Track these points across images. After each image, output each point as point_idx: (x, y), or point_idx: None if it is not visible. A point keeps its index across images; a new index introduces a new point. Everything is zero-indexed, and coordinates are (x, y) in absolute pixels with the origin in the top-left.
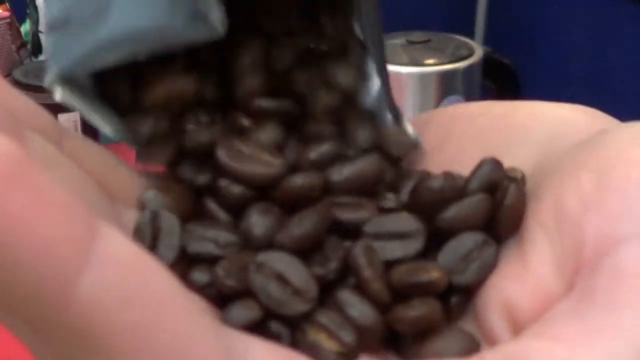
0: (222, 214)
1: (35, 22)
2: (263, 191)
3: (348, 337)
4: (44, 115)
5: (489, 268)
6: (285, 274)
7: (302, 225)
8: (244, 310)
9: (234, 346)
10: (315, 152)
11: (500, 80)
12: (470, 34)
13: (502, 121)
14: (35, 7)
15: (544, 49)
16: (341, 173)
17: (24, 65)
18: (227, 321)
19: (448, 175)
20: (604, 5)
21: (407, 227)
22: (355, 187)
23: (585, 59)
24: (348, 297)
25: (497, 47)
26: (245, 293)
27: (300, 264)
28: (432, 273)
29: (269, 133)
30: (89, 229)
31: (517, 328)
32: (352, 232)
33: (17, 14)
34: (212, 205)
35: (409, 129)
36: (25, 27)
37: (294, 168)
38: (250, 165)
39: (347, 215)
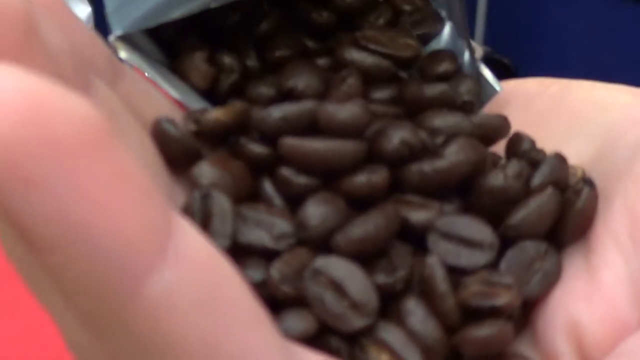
0: (278, 200)
1: None
2: (329, 182)
3: (414, 358)
4: (102, 49)
5: (553, 279)
6: (344, 283)
7: (365, 226)
8: (299, 321)
9: None
10: (392, 140)
11: (500, 79)
12: (470, 33)
13: (558, 106)
14: None
15: (544, 48)
16: (422, 171)
17: None
18: (281, 331)
19: (508, 172)
20: (604, 5)
21: (480, 236)
22: (435, 187)
23: (585, 58)
24: (415, 310)
25: (497, 47)
26: (301, 301)
27: (360, 272)
28: (504, 297)
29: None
30: (166, 220)
31: (584, 356)
32: (417, 234)
33: None
34: (268, 188)
35: (490, 78)
36: None
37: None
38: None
39: (417, 215)
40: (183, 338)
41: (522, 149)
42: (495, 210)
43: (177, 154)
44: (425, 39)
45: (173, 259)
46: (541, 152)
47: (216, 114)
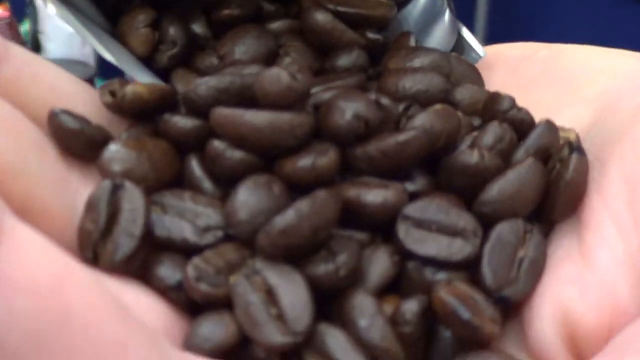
0: (207, 183)
1: (35, 22)
2: (269, 162)
3: None
4: None
5: (540, 268)
6: (278, 290)
7: (289, 219)
8: (217, 328)
9: None
10: (345, 115)
11: None
12: (470, 30)
13: (547, 72)
14: (35, 7)
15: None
16: (380, 150)
17: None
18: (192, 341)
19: (484, 141)
20: (605, 5)
21: (460, 223)
22: (395, 166)
23: None
24: (364, 307)
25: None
26: (222, 304)
27: (303, 284)
28: (487, 327)
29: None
30: None
31: (576, 349)
32: (377, 220)
33: (15, 13)
34: (196, 168)
35: (472, 42)
36: (25, 27)
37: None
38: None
39: (374, 196)
40: None
41: (500, 109)
42: (468, 191)
43: (78, 146)
44: (400, 3)
45: None
46: (523, 110)
47: (137, 88)
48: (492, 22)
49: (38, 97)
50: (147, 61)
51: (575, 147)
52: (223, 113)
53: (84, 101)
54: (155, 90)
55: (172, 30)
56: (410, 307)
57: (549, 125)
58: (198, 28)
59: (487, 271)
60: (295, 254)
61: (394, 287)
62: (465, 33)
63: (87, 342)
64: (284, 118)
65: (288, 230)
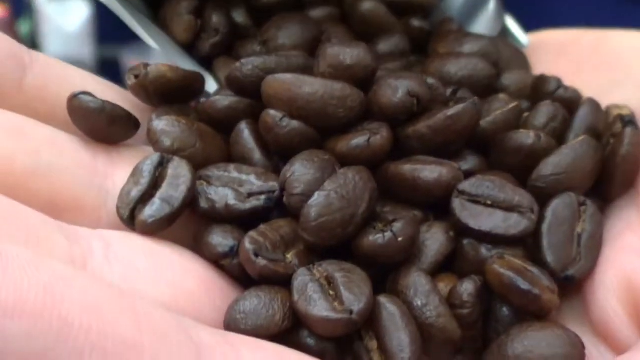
0: (258, 155)
1: (33, 22)
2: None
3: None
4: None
5: (599, 241)
6: (337, 277)
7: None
8: (263, 309)
9: None
10: (398, 92)
11: None
12: None
13: (595, 55)
14: (33, 7)
15: None
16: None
17: None
18: (232, 316)
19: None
20: (606, 4)
21: (516, 198)
22: (440, 141)
23: None
24: (419, 283)
25: None
26: (277, 279)
27: (363, 274)
28: (545, 296)
29: None
30: None
31: None
32: (433, 197)
33: (15, 14)
34: (249, 141)
35: (515, 30)
36: (24, 27)
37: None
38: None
39: (431, 172)
40: None
41: (548, 90)
42: (522, 171)
43: (100, 124)
44: None
45: None
46: (570, 89)
47: (160, 67)
48: None
49: (66, 93)
50: (189, 49)
51: (628, 120)
52: (278, 79)
53: (113, 100)
54: (178, 70)
55: (215, 18)
56: (467, 287)
57: (592, 103)
58: (239, 17)
59: (548, 252)
60: (335, 234)
61: (449, 266)
62: (509, 21)
63: (96, 348)
64: (336, 87)
65: (320, 211)
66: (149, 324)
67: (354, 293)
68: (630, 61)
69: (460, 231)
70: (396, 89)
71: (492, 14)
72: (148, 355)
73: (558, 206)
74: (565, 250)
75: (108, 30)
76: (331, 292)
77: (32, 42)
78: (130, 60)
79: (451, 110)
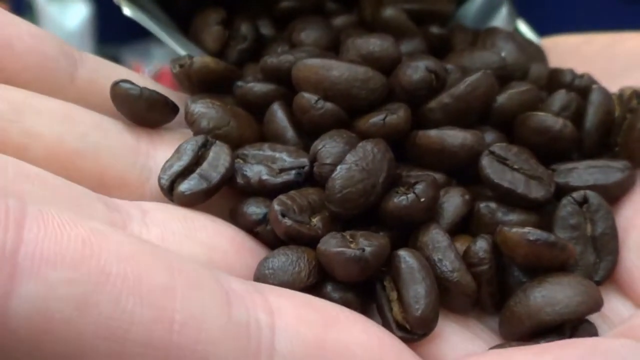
0: (291, 134)
1: (33, 22)
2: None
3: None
4: (52, 43)
5: (613, 231)
6: (359, 236)
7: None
8: (289, 265)
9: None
10: (418, 69)
11: None
12: None
13: (609, 50)
14: (34, 7)
15: None
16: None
17: None
18: (261, 272)
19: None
20: (606, 4)
21: (538, 170)
22: (463, 110)
23: None
24: (438, 239)
25: None
26: (303, 240)
27: (384, 236)
28: (565, 245)
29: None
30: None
31: None
32: (458, 163)
33: (15, 14)
34: (282, 121)
35: (528, 34)
36: None
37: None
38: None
39: (456, 138)
40: (75, 342)
41: (564, 81)
42: (541, 149)
43: (140, 108)
44: (460, 0)
45: (30, 264)
46: (585, 77)
47: (205, 58)
48: None
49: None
50: (219, 58)
51: None
52: (307, 63)
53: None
54: (219, 62)
55: (243, 27)
56: (481, 245)
57: (601, 89)
58: (264, 27)
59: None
60: (359, 204)
61: (466, 228)
62: (522, 25)
63: (132, 293)
64: (360, 70)
65: (343, 182)
66: (181, 272)
67: (369, 240)
68: None
69: (487, 186)
70: (415, 67)
71: (505, 19)
72: (180, 298)
73: (560, 218)
74: (584, 260)
75: (108, 30)
76: (350, 239)
77: None
78: (130, 60)
79: (469, 79)
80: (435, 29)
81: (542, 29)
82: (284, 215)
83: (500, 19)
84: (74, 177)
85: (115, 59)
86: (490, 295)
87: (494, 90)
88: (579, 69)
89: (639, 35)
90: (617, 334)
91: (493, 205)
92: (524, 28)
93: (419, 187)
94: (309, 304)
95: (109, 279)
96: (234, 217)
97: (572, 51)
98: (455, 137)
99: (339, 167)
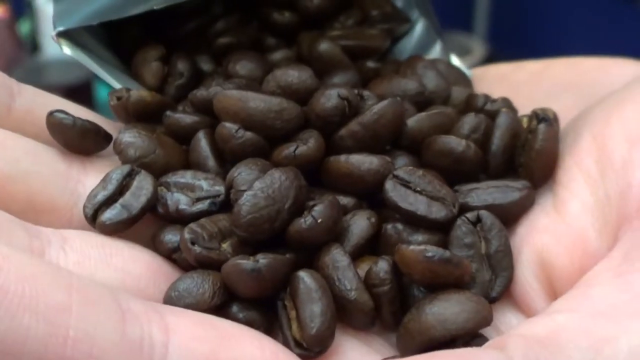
0: (212, 162)
1: (34, 23)
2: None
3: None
4: None
5: (506, 247)
6: (260, 256)
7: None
8: (195, 287)
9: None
10: (331, 98)
11: None
12: (471, 30)
13: (537, 76)
14: (33, 8)
15: (546, 45)
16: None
17: (23, 65)
18: (170, 295)
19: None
20: (606, 4)
21: (441, 192)
22: (371, 136)
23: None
24: (338, 258)
25: (498, 44)
26: (213, 265)
27: (283, 257)
28: (462, 263)
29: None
30: None
31: (553, 290)
32: (366, 188)
33: (15, 14)
34: (204, 150)
35: (460, 66)
36: (24, 27)
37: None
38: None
39: (367, 164)
40: None
41: (476, 105)
42: (449, 172)
43: (73, 137)
44: (396, 38)
45: None
46: (498, 102)
47: (141, 92)
48: (493, 19)
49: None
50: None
51: (542, 117)
52: (226, 94)
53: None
54: (155, 95)
55: (179, 64)
56: (382, 266)
57: (508, 111)
58: (204, 63)
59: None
60: (264, 229)
61: (373, 250)
62: (454, 59)
63: (29, 309)
64: (274, 101)
65: (248, 208)
66: (79, 292)
67: (266, 255)
68: (570, 77)
69: (390, 208)
70: (328, 95)
71: (439, 54)
72: (75, 315)
73: (455, 237)
74: (480, 278)
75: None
76: (251, 259)
77: (32, 42)
78: None
79: (376, 107)
80: (371, 63)
81: (543, 29)
82: (193, 243)
83: (435, 54)
84: (4, 200)
85: None
86: (392, 314)
87: (401, 116)
88: (507, 94)
89: (566, 61)
90: (489, 345)
91: (400, 226)
92: (456, 61)
93: (316, 209)
94: (205, 322)
95: (6, 296)
96: (154, 243)
97: (501, 79)
98: (362, 161)
99: (245, 194)
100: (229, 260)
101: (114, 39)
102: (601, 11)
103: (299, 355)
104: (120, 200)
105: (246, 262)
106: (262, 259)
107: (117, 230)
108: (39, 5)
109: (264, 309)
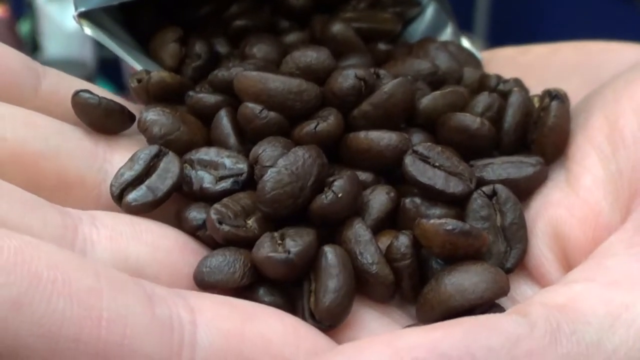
0: (233, 140)
1: (34, 23)
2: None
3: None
4: (17, 59)
5: (521, 220)
6: (288, 233)
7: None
8: (225, 265)
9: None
10: (348, 77)
11: None
12: (471, 30)
13: (545, 59)
14: (33, 8)
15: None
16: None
17: None
18: (199, 272)
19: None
20: (605, 4)
21: (459, 167)
22: (382, 116)
23: None
24: (360, 233)
25: (498, 44)
26: (240, 243)
27: (310, 233)
28: (478, 242)
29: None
30: None
31: (567, 261)
32: (384, 163)
33: (15, 14)
34: (226, 128)
35: (467, 44)
36: (24, 27)
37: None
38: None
39: (385, 139)
40: (10, 344)
41: (490, 85)
42: (461, 148)
43: (98, 116)
44: (407, 21)
45: None
46: (510, 82)
47: (161, 73)
48: (493, 18)
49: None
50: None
51: (554, 95)
52: (246, 75)
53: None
54: (175, 76)
55: (197, 46)
56: (402, 241)
57: (520, 90)
58: (220, 45)
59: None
60: (287, 205)
61: (393, 224)
62: (465, 42)
63: (62, 294)
64: (294, 82)
65: (272, 185)
66: (107, 277)
67: (295, 240)
68: (577, 60)
69: (409, 183)
70: (346, 75)
71: (450, 37)
72: (106, 298)
73: (471, 210)
74: (495, 249)
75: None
76: (279, 241)
77: (32, 42)
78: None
79: (386, 87)
80: (382, 46)
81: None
82: (220, 223)
83: (446, 36)
84: (36, 177)
85: (116, 59)
86: (412, 288)
87: (411, 95)
88: (516, 75)
89: (574, 45)
90: (509, 312)
91: (417, 200)
92: (466, 44)
93: (336, 184)
94: (227, 303)
95: (40, 282)
96: (178, 220)
97: (509, 61)
98: (381, 137)
99: (269, 171)
100: (260, 251)
101: (131, 22)
102: (601, 11)
103: (312, 326)
104: (147, 182)
105: (278, 255)
106: (293, 248)
107: (141, 211)
108: (39, 5)
109: (288, 291)
